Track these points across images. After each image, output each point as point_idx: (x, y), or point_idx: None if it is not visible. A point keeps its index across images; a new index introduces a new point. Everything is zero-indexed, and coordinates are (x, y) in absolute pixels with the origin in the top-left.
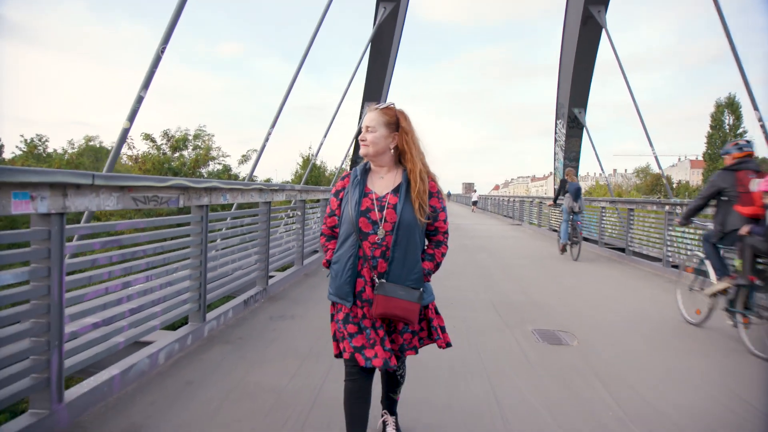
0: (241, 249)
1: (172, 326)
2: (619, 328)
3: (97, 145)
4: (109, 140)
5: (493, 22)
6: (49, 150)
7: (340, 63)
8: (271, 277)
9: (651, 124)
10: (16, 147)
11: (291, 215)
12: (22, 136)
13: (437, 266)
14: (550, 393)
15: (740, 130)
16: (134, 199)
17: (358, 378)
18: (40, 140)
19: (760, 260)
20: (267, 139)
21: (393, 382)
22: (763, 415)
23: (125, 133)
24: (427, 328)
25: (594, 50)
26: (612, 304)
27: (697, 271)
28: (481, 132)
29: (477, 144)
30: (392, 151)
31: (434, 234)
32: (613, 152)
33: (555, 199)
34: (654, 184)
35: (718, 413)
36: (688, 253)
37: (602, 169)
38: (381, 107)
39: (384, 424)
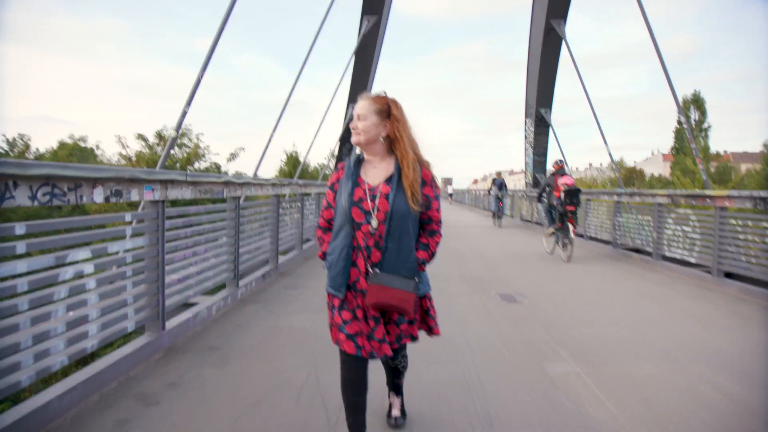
0: (260, 233)
1: (211, 292)
2: (561, 292)
3: (82, 145)
4: (93, 139)
5: (473, 17)
6: (33, 147)
7: (320, 58)
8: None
9: (629, 118)
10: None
11: (292, 206)
12: (3, 135)
13: (432, 255)
14: (502, 331)
15: (705, 125)
16: (200, 191)
17: (353, 365)
18: (21, 138)
19: (562, 218)
20: (270, 140)
21: (395, 371)
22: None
23: (173, 140)
24: (422, 318)
25: (556, 58)
26: (559, 276)
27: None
28: (461, 126)
29: (456, 138)
30: (383, 139)
31: (427, 223)
32: (588, 147)
33: (539, 196)
34: (628, 177)
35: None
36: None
37: (566, 164)
38: (372, 96)
39: (390, 406)
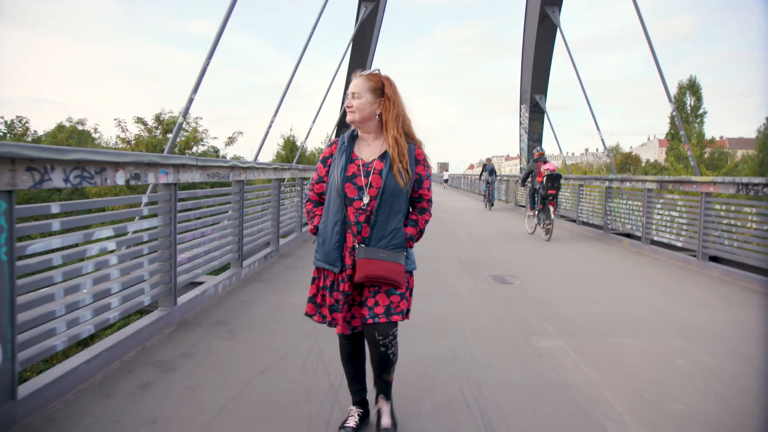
0: (261, 216)
1: (216, 272)
2: (552, 273)
3: (80, 128)
4: (91, 121)
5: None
6: (31, 129)
7: (316, 41)
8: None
9: (626, 102)
10: None
11: (292, 190)
12: (2, 117)
13: (420, 233)
14: (494, 309)
15: (701, 111)
16: (208, 174)
17: (349, 340)
18: (20, 121)
19: (544, 200)
20: (270, 126)
21: (384, 360)
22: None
23: (179, 126)
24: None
25: (551, 45)
26: (550, 258)
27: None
28: (456, 110)
29: (451, 122)
30: (378, 117)
31: (418, 201)
32: (585, 131)
33: (523, 181)
34: (623, 163)
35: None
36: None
37: (560, 150)
38: (366, 73)
39: (379, 413)
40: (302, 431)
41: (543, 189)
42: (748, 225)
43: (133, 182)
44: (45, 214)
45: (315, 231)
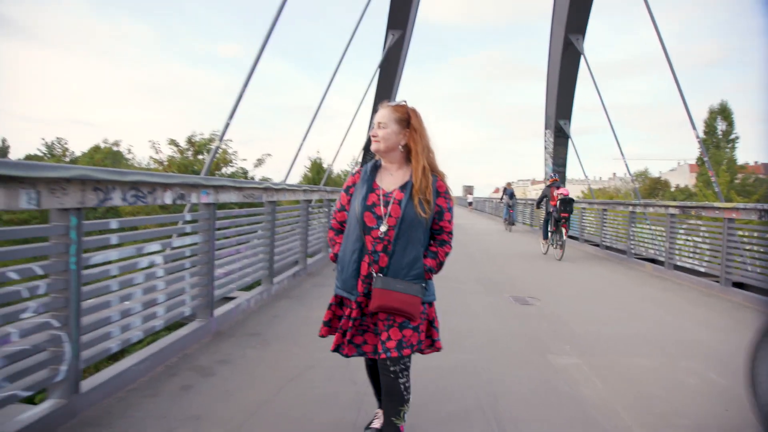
0: (291, 235)
1: (247, 288)
2: (572, 295)
3: (114, 149)
4: (125, 142)
5: (492, 24)
6: (69, 149)
7: (344, 65)
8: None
9: (652, 127)
10: (38, 149)
11: (320, 211)
12: (43, 139)
13: (440, 265)
14: (510, 326)
15: (732, 136)
16: (244, 195)
17: (371, 364)
18: (59, 143)
19: (557, 223)
20: (300, 149)
21: (394, 395)
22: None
23: (216, 149)
24: (427, 329)
25: (575, 71)
26: (573, 281)
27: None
28: (481, 133)
29: (477, 146)
30: (403, 148)
31: (438, 233)
32: (612, 155)
33: (538, 204)
34: (652, 188)
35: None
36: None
37: (585, 174)
38: (393, 104)
39: None
40: (330, 431)
41: (556, 212)
42: None
43: (178, 201)
44: (105, 229)
45: (335, 258)
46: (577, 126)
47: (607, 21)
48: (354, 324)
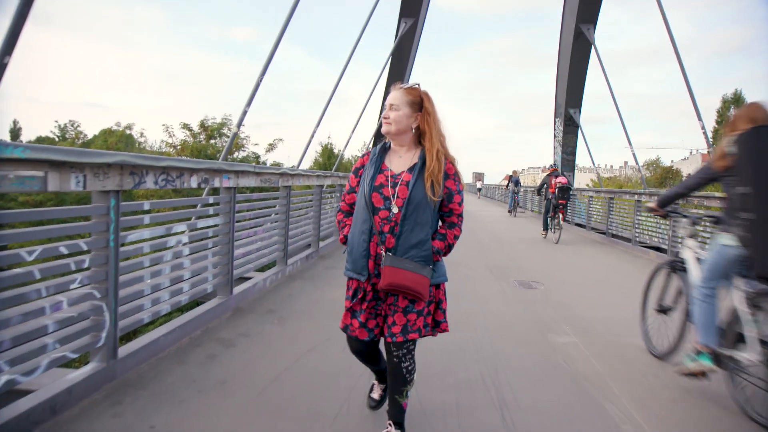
0: (304, 219)
1: (262, 269)
2: (575, 280)
3: (127, 133)
4: (137, 126)
5: (505, 11)
6: (82, 132)
7: (356, 51)
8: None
9: (666, 116)
10: (51, 132)
11: (332, 196)
12: (56, 121)
13: (449, 247)
14: (516, 310)
15: None
16: (261, 180)
17: (360, 344)
18: (72, 125)
19: (555, 209)
20: (313, 135)
21: (398, 377)
22: None
23: (234, 135)
24: (434, 311)
25: (585, 61)
26: (577, 267)
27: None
28: (493, 121)
29: (489, 133)
30: (414, 130)
31: (448, 215)
32: (624, 144)
33: (538, 191)
34: (664, 177)
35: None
36: (642, 233)
37: (593, 163)
38: (406, 87)
39: None
40: (344, 396)
41: (554, 199)
42: None
43: (203, 185)
44: (139, 210)
45: (345, 240)
46: (590, 115)
47: (626, 9)
48: (368, 306)
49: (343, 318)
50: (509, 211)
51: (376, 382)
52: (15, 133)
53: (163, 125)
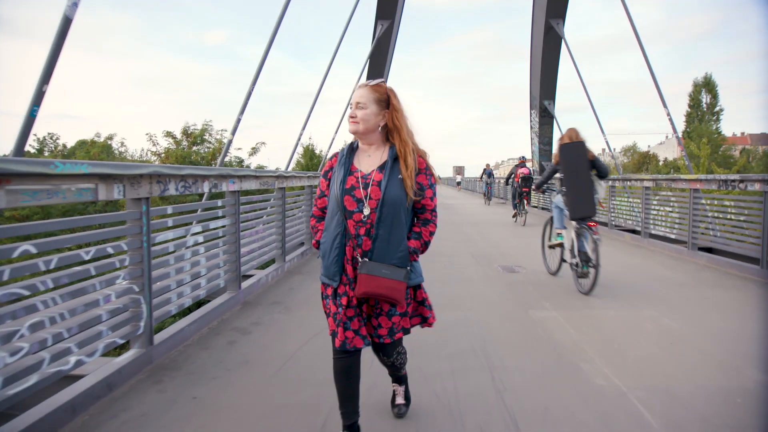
0: (297, 218)
1: (262, 266)
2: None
3: (107, 143)
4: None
5: (481, 4)
6: (63, 144)
7: (332, 49)
8: None
9: (643, 102)
10: (30, 146)
11: None
12: (35, 135)
13: (425, 245)
14: (499, 291)
15: (717, 108)
16: (261, 183)
17: (343, 356)
18: (51, 138)
19: (519, 195)
20: (300, 138)
21: (393, 369)
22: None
23: (229, 143)
24: (416, 309)
25: (557, 53)
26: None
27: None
28: (471, 114)
29: (467, 126)
30: (381, 128)
31: (421, 212)
32: (605, 131)
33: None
34: (641, 162)
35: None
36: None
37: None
38: (371, 84)
39: (394, 393)
40: None
41: (519, 187)
42: (728, 217)
43: (213, 190)
44: (163, 214)
45: (318, 245)
46: (569, 104)
47: None
48: (354, 313)
49: (330, 324)
50: (486, 200)
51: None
52: None
53: (147, 134)
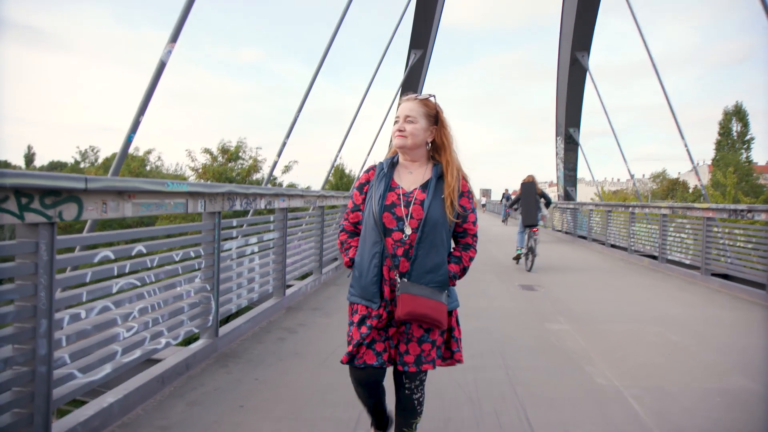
0: (332, 235)
1: (301, 277)
2: (573, 284)
3: (146, 157)
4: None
5: (509, 26)
6: (101, 156)
7: (368, 71)
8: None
9: (672, 127)
10: (72, 157)
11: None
12: (77, 147)
13: (464, 270)
14: (519, 305)
15: (748, 137)
16: (305, 201)
17: (365, 378)
18: (92, 150)
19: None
20: (336, 160)
21: (408, 408)
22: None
23: (275, 164)
24: (447, 339)
25: (582, 83)
26: (577, 274)
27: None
28: (500, 136)
29: (496, 148)
30: (428, 145)
31: (462, 236)
32: (632, 157)
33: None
34: (670, 189)
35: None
36: (634, 242)
37: (593, 178)
38: (420, 97)
39: None
40: None
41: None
42: (738, 244)
43: (268, 206)
44: (230, 226)
45: (350, 264)
46: (598, 128)
47: (630, 20)
48: (379, 337)
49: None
50: (503, 221)
51: (372, 429)
52: (29, 158)
53: (186, 150)
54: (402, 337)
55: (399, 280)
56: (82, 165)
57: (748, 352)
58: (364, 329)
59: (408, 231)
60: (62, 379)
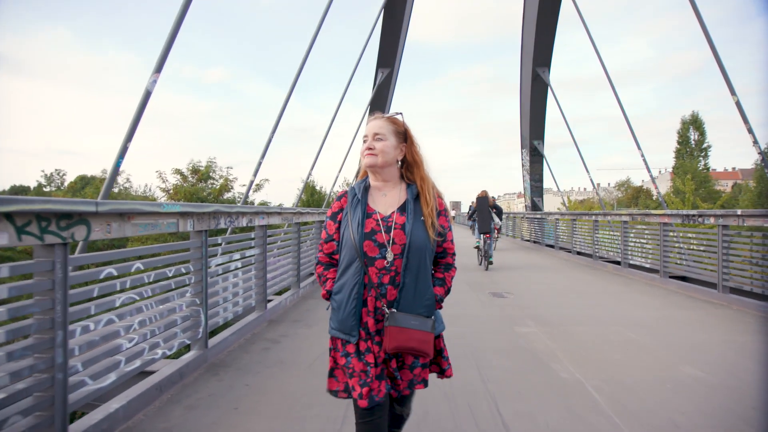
0: (309, 250)
1: (279, 293)
2: (540, 291)
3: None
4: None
5: (478, 40)
6: (67, 180)
7: (337, 88)
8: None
9: (640, 137)
10: (37, 180)
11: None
12: (42, 171)
13: (448, 291)
14: (490, 311)
15: (705, 145)
16: (282, 218)
17: (370, 419)
18: (58, 174)
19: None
20: (309, 176)
21: (398, 421)
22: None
23: (251, 184)
24: (435, 359)
25: (544, 98)
26: (545, 281)
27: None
28: (469, 149)
29: (465, 161)
30: (399, 163)
31: (442, 256)
32: (597, 166)
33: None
34: (634, 196)
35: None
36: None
37: (558, 188)
38: (388, 115)
39: None
40: None
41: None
42: (691, 247)
43: (249, 224)
44: (215, 243)
45: (328, 296)
46: (565, 139)
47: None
48: (382, 372)
49: (329, 383)
50: (473, 233)
51: None
52: None
53: (156, 171)
54: (396, 364)
55: (387, 310)
56: (47, 188)
57: (696, 346)
58: (377, 371)
59: (390, 257)
60: (76, 385)
